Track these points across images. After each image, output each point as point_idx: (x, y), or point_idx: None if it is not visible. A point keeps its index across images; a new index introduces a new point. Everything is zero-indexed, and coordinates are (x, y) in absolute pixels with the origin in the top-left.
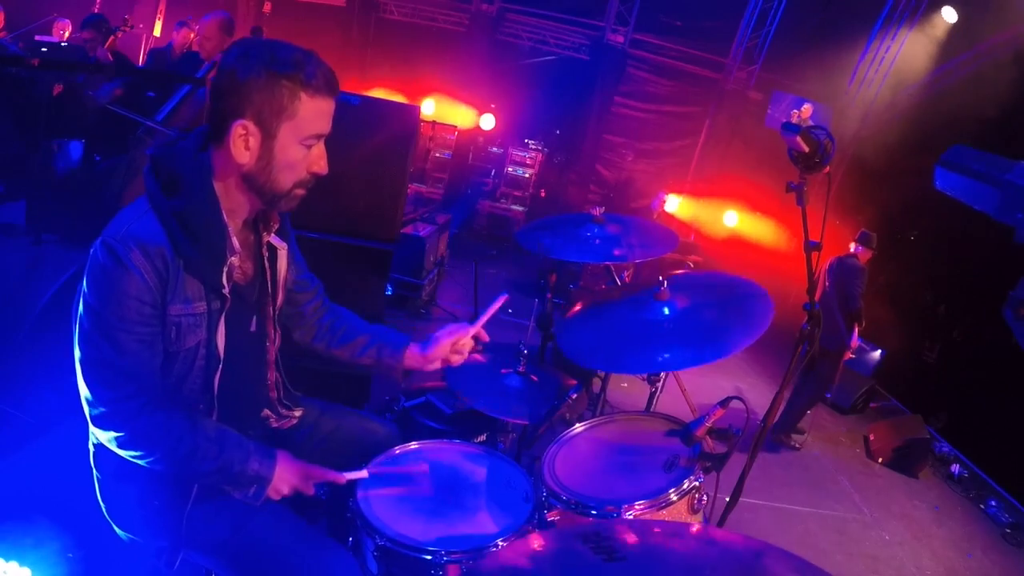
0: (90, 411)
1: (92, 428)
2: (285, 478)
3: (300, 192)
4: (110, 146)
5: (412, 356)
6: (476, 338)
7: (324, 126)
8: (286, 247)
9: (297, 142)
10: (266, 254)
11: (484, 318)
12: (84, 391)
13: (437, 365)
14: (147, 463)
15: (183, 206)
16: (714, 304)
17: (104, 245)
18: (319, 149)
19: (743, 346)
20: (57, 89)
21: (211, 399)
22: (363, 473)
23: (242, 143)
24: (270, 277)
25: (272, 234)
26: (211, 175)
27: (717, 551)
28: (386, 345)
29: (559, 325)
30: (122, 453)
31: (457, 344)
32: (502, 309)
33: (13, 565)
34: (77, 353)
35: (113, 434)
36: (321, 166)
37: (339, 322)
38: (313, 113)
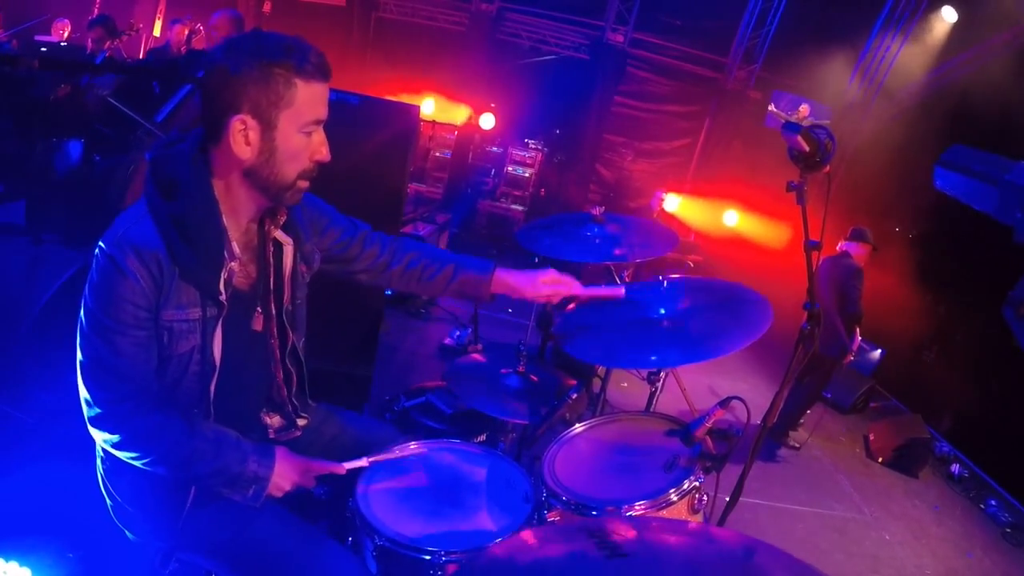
0: (87, 412)
1: (90, 429)
2: (285, 474)
3: (304, 184)
4: (110, 146)
5: (500, 283)
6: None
7: (321, 111)
8: (291, 243)
9: (297, 130)
10: (271, 250)
11: (596, 292)
12: (83, 392)
13: (527, 296)
14: (144, 464)
15: (181, 210)
16: (713, 307)
17: (101, 249)
18: (319, 136)
19: (738, 348)
20: (64, 90)
21: (207, 405)
22: (363, 462)
23: (242, 138)
24: (274, 275)
25: (278, 229)
26: (210, 177)
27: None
28: (468, 280)
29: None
30: (119, 455)
31: (557, 288)
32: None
33: (13, 565)
34: (78, 355)
35: (109, 436)
36: (323, 153)
37: (415, 262)
38: (310, 99)
